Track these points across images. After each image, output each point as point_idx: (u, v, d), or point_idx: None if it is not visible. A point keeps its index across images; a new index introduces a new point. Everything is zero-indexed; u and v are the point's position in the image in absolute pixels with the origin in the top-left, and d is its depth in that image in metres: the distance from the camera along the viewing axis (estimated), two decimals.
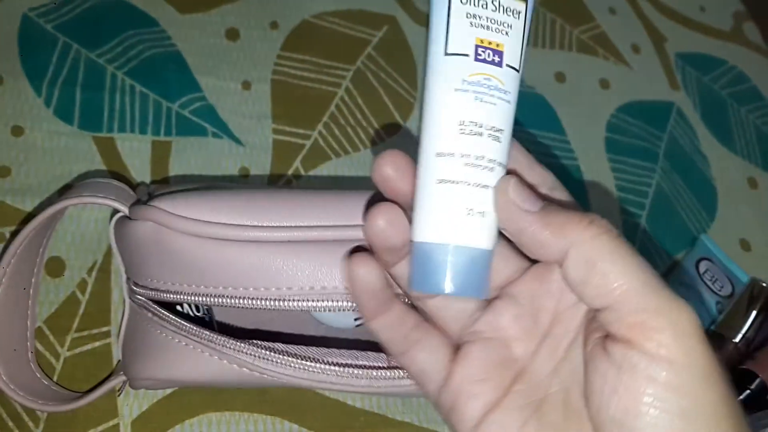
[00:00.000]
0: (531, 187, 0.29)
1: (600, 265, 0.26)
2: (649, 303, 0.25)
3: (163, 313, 0.38)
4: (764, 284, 0.53)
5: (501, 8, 0.29)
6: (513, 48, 0.29)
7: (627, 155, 0.63)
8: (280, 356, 0.38)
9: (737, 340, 0.50)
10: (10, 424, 0.39)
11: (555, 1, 0.70)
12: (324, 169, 0.52)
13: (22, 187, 0.46)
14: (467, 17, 0.29)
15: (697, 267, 0.54)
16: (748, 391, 0.46)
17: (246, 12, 0.58)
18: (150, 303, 0.38)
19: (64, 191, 0.46)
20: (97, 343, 0.42)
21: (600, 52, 0.69)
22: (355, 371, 0.37)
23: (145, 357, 0.39)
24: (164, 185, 0.43)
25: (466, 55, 0.28)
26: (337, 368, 0.38)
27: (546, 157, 0.58)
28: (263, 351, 0.38)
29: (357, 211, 0.36)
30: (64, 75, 0.50)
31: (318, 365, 0.38)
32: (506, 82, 0.29)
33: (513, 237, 0.29)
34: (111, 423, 0.40)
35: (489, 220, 0.29)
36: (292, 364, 0.38)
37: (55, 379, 0.41)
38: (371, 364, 0.38)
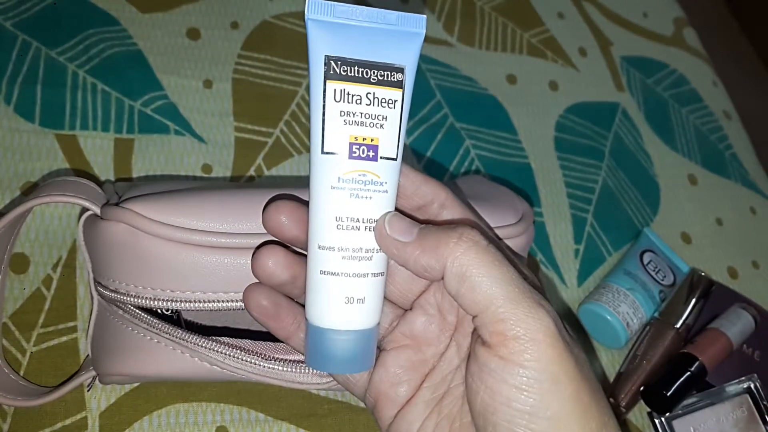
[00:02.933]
0: (410, 216, 0.32)
1: (469, 278, 0.29)
2: (507, 313, 0.28)
3: (133, 311, 0.38)
4: (703, 274, 0.57)
5: (376, 101, 0.30)
6: (389, 139, 0.31)
7: (575, 153, 0.65)
8: (250, 356, 0.39)
9: (678, 326, 0.53)
10: None
11: (507, 7, 0.72)
12: (286, 166, 0.54)
13: None
14: (341, 115, 0.30)
15: (641, 258, 0.57)
16: (688, 373, 0.49)
17: (206, 12, 0.59)
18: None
19: (27, 189, 0.46)
20: (63, 338, 0.43)
21: (549, 55, 0.71)
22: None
23: (116, 354, 0.39)
24: (131, 184, 0.44)
25: (341, 153, 0.30)
26: (303, 366, 0.39)
27: (498, 155, 0.61)
28: (233, 350, 0.39)
29: None
30: (24, 73, 0.50)
31: (286, 366, 0.39)
32: (382, 174, 0.31)
33: (402, 266, 0.31)
34: (79, 416, 0.41)
35: (370, 303, 0.31)
36: (262, 364, 0.39)
37: (21, 374, 0.41)
38: None
